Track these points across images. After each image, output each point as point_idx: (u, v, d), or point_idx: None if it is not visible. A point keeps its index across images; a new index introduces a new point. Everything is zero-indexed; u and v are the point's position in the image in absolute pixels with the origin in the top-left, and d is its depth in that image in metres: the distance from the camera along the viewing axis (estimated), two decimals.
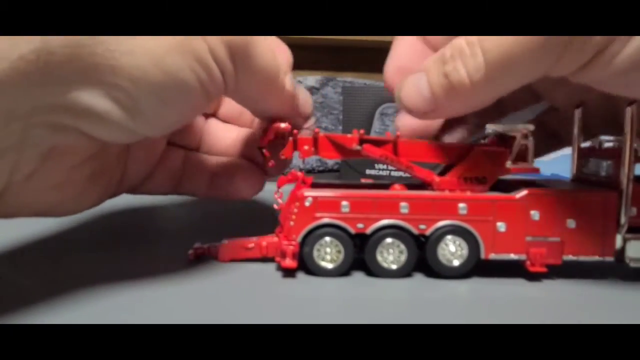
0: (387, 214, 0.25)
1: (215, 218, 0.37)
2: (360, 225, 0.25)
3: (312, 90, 0.64)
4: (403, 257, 0.25)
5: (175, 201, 0.40)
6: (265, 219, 0.34)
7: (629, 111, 0.24)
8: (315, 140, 0.27)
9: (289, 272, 0.25)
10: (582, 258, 0.25)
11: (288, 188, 0.27)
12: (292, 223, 0.25)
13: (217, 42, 0.20)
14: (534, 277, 0.25)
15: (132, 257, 0.28)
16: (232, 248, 0.27)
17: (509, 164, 0.26)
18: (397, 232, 0.25)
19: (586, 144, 0.28)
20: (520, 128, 0.26)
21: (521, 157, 0.26)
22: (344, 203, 0.25)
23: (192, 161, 0.32)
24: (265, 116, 0.28)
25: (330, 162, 0.62)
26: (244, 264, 0.26)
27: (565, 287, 0.25)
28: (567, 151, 0.30)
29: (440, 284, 0.25)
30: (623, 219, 0.25)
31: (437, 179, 0.26)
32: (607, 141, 0.27)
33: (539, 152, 0.26)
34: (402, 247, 0.25)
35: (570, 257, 0.25)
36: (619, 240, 0.25)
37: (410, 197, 0.25)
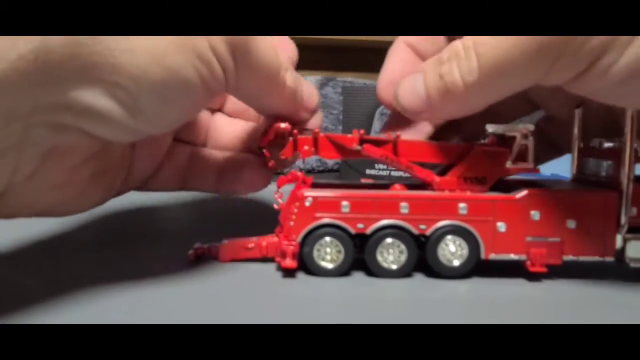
0: (387, 214, 0.25)
1: (215, 218, 0.37)
2: (360, 225, 0.25)
3: None
4: (403, 257, 0.25)
5: (176, 201, 0.40)
6: (265, 219, 0.34)
7: (629, 111, 0.24)
8: (315, 140, 0.27)
9: (289, 272, 0.25)
10: (582, 258, 0.25)
11: (288, 188, 0.27)
12: (292, 223, 0.25)
13: (217, 39, 0.20)
14: (534, 277, 0.25)
15: (132, 257, 0.28)
16: (232, 248, 0.27)
17: (509, 164, 0.26)
18: (397, 232, 0.25)
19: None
20: (520, 128, 0.26)
21: (521, 157, 0.26)
22: (344, 203, 0.25)
23: (199, 157, 0.32)
24: (267, 113, 0.28)
25: (330, 162, 0.62)
26: (244, 264, 0.26)
27: (565, 287, 0.25)
28: None
29: (440, 284, 0.25)
30: (623, 219, 0.25)
31: (437, 179, 0.26)
32: (607, 141, 0.27)
33: (538, 159, 0.26)
34: (402, 247, 0.25)
35: (570, 257, 0.25)
36: (619, 241, 0.25)
37: (411, 197, 0.25)
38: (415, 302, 0.23)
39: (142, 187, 0.31)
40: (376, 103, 0.53)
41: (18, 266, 0.26)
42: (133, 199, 0.33)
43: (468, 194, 0.26)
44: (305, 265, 0.25)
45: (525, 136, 0.25)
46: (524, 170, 0.26)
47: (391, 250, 0.25)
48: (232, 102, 0.32)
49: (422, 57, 0.29)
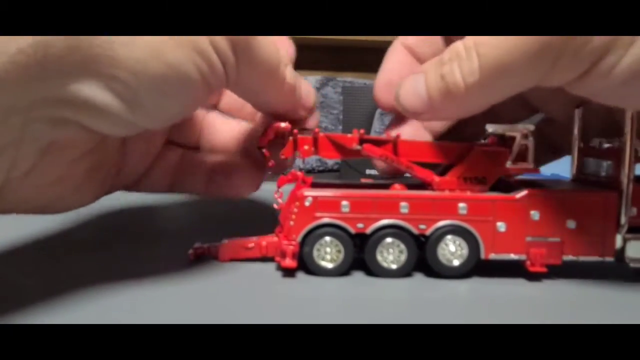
0: (387, 213, 0.25)
1: (215, 218, 0.37)
2: (360, 225, 0.25)
3: None
4: (403, 257, 0.25)
5: (175, 201, 0.40)
6: (265, 219, 0.34)
7: (628, 111, 0.24)
8: (315, 140, 0.27)
9: (288, 272, 0.25)
10: (582, 258, 0.25)
11: (288, 188, 0.27)
12: (292, 223, 0.25)
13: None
14: (534, 277, 0.25)
15: (132, 257, 0.28)
16: (232, 248, 0.27)
17: (509, 164, 0.26)
18: (397, 231, 0.25)
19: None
20: (520, 128, 0.26)
21: (521, 157, 0.26)
22: (344, 203, 0.25)
23: (190, 160, 0.31)
24: (266, 109, 0.27)
25: (330, 162, 0.62)
26: (244, 263, 0.26)
27: (565, 287, 0.25)
28: None
29: (440, 283, 0.25)
30: (623, 219, 0.25)
31: (437, 178, 0.26)
32: (607, 142, 0.27)
33: (538, 161, 0.26)
34: (402, 246, 0.25)
35: (570, 257, 0.25)
36: (619, 241, 0.25)
37: (410, 197, 0.25)
38: (415, 302, 0.23)
39: (132, 186, 0.31)
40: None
41: (17, 266, 0.26)
42: (133, 198, 0.33)
43: (468, 194, 0.26)
44: (305, 265, 0.25)
45: (525, 136, 0.25)
46: (524, 170, 0.26)
47: (391, 250, 0.25)
48: (228, 99, 0.32)
49: (420, 59, 0.29)
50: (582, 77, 0.21)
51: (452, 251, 0.25)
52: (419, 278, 0.25)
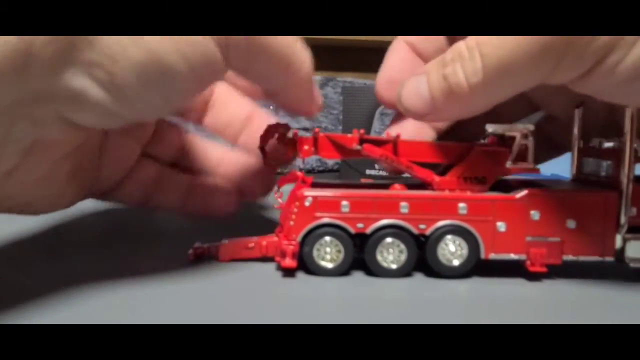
0: (387, 213, 0.25)
1: (215, 218, 0.37)
2: (360, 225, 0.25)
3: None
4: (403, 257, 0.25)
5: None
6: (265, 219, 0.34)
7: (628, 111, 0.24)
8: (315, 140, 0.27)
9: (288, 272, 0.25)
10: (582, 258, 0.25)
11: (288, 188, 0.27)
12: (292, 223, 0.25)
13: None
14: (534, 277, 0.25)
15: (132, 257, 0.28)
16: (232, 248, 0.27)
17: (509, 164, 0.26)
18: (397, 231, 0.25)
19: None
20: (520, 128, 0.26)
21: (521, 157, 0.26)
22: (344, 203, 0.25)
23: (167, 176, 0.31)
24: (281, 97, 0.26)
25: (330, 162, 0.62)
26: (244, 263, 0.26)
27: (565, 287, 0.25)
28: None
29: (440, 283, 0.25)
30: (623, 219, 0.25)
31: (437, 178, 0.26)
32: (607, 141, 0.27)
33: (539, 159, 0.26)
34: (402, 246, 0.25)
35: (570, 257, 0.25)
36: (619, 240, 0.25)
37: (410, 196, 0.25)
38: (415, 302, 0.23)
39: (106, 196, 0.30)
40: (376, 103, 0.53)
41: (17, 266, 0.26)
42: None
43: (468, 193, 0.26)
44: (305, 264, 0.25)
45: (525, 136, 0.25)
46: (524, 170, 0.26)
47: (391, 250, 0.25)
48: (213, 117, 0.31)
49: (421, 56, 0.29)
50: (585, 75, 0.21)
51: (452, 251, 0.25)
52: (419, 278, 0.25)
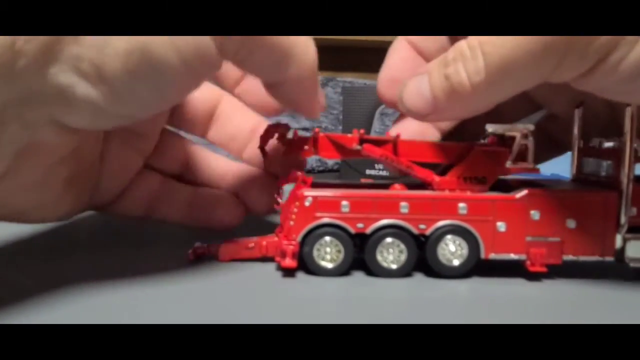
0: (387, 213, 0.25)
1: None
2: (360, 225, 0.25)
3: None
4: (403, 257, 0.25)
5: None
6: (265, 219, 0.34)
7: (628, 111, 0.24)
8: (315, 140, 0.27)
9: (288, 272, 0.25)
10: (582, 258, 0.25)
11: (288, 188, 0.27)
12: (292, 223, 0.25)
13: None
14: (534, 277, 0.25)
15: (132, 257, 0.28)
16: (233, 248, 0.27)
17: (509, 164, 0.26)
18: (397, 231, 0.25)
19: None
20: (520, 128, 0.26)
21: (521, 157, 0.26)
22: (344, 203, 0.25)
23: (170, 188, 0.31)
24: (282, 93, 0.25)
25: (330, 162, 0.62)
26: (244, 263, 0.26)
27: (565, 287, 0.25)
28: None
29: (440, 283, 0.25)
30: (623, 219, 0.25)
31: (437, 178, 0.26)
32: (607, 141, 0.27)
33: (540, 158, 0.26)
34: (402, 246, 0.25)
35: (570, 257, 0.25)
36: (619, 240, 0.25)
37: (410, 197, 0.25)
38: (415, 302, 0.23)
39: (108, 207, 0.30)
40: (376, 103, 0.53)
41: (17, 266, 0.26)
42: None
43: (468, 193, 0.26)
44: (305, 264, 0.25)
45: (525, 136, 0.25)
46: (524, 170, 0.26)
47: (391, 250, 0.25)
48: (217, 130, 0.31)
49: (423, 54, 0.29)
50: (588, 73, 0.21)
51: (452, 251, 0.25)
52: (419, 278, 0.25)
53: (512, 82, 0.22)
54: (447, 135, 0.30)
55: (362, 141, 0.26)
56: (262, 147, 0.28)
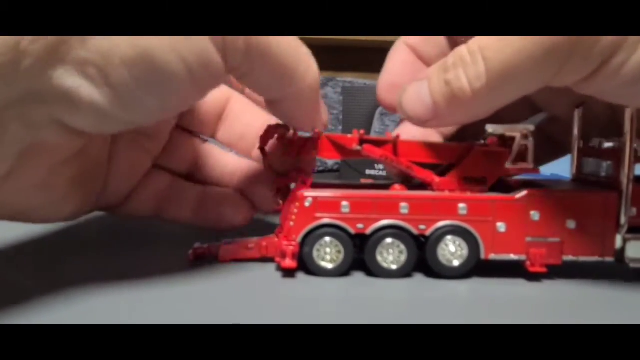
0: (387, 214, 0.25)
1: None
2: (360, 226, 0.25)
3: None
4: (403, 257, 0.25)
5: None
6: (265, 219, 0.34)
7: (628, 111, 0.24)
8: (315, 141, 0.27)
9: (288, 273, 0.25)
10: (582, 258, 0.25)
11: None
12: (292, 223, 0.25)
13: None
14: (534, 277, 0.25)
15: (132, 257, 0.28)
16: (233, 248, 0.27)
17: (508, 164, 0.26)
18: (397, 232, 0.25)
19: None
20: (520, 128, 0.26)
21: (521, 157, 0.26)
22: (344, 203, 0.25)
23: (179, 187, 0.31)
24: (282, 110, 0.25)
25: (330, 162, 0.62)
26: (244, 264, 0.26)
27: (565, 287, 0.25)
28: None
29: (440, 284, 0.25)
30: (623, 220, 0.25)
31: (437, 179, 0.26)
32: (607, 142, 0.27)
33: (541, 159, 0.26)
34: (402, 247, 0.25)
35: (570, 258, 0.25)
36: (619, 241, 0.25)
37: (410, 197, 0.25)
38: (415, 302, 0.23)
39: (116, 208, 0.30)
40: (376, 103, 0.53)
41: (17, 266, 0.26)
42: None
43: (468, 194, 0.26)
44: (305, 265, 0.25)
45: (525, 136, 0.25)
46: (523, 170, 0.26)
47: (391, 251, 0.25)
48: (226, 130, 0.31)
49: (423, 59, 0.29)
50: (590, 77, 0.21)
51: (452, 251, 0.25)
52: (419, 278, 0.25)
53: (513, 88, 0.22)
54: (449, 139, 0.30)
55: (362, 142, 0.26)
56: (262, 148, 0.28)
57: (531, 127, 0.26)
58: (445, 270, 0.25)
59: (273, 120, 0.29)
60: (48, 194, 0.24)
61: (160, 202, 0.30)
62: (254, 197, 0.31)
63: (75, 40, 0.18)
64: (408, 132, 0.28)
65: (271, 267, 0.26)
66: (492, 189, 0.26)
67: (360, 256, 0.25)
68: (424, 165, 0.26)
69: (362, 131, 0.26)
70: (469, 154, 0.26)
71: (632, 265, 0.25)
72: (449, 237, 0.25)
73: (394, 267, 0.25)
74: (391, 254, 0.25)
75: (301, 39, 0.23)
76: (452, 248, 0.25)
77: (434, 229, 0.25)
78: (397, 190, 0.26)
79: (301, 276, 0.25)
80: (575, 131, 0.27)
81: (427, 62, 0.28)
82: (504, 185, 0.26)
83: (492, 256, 0.25)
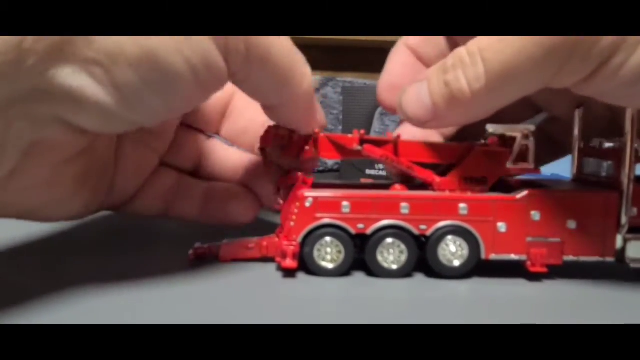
0: (387, 214, 0.25)
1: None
2: (360, 226, 0.25)
3: None
4: (403, 257, 0.25)
5: None
6: (265, 219, 0.34)
7: (629, 112, 0.24)
8: (315, 141, 0.27)
9: (289, 272, 0.25)
10: (583, 258, 0.25)
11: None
12: (292, 223, 0.25)
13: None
14: (534, 277, 0.25)
15: (132, 257, 0.28)
16: (233, 248, 0.27)
17: (509, 164, 0.26)
18: (398, 232, 0.25)
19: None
20: (521, 128, 0.26)
21: (522, 157, 0.26)
22: (345, 203, 0.25)
23: (185, 184, 0.31)
24: (280, 116, 0.25)
25: (330, 162, 0.62)
26: (244, 264, 0.26)
27: (565, 287, 0.25)
28: None
29: (441, 284, 0.25)
30: (624, 220, 0.25)
31: (437, 179, 0.26)
32: (608, 142, 0.27)
33: (541, 160, 0.26)
34: (403, 247, 0.25)
35: (570, 258, 0.25)
36: (619, 241, 0.25)
37: (411, 197, 0.25)
38: (416, 302, 0.23)
39: (123, 207, 0.30)
40: (376, 103, 0.53)
41: (17, 266, 0.26)
42: None
43: (468, 194, 0.26)
44: (306, 265, 0.25)
45: (526, 136, 0.25)
46: (524, 170, 0.26)
47: (391, 251, 0.25)
48: (230, 125, 0.31)
49: (423, 60, 0.29)
50: (589, 78, 0.21)
51: (453, 251, 0.25)
52: (419, 278, 0.25)
53: (513, 88, 0.22)
54: (450, 140, 0.30)
55: (362, 141, 0.26)
56: (262, 148, 0.28)
57: (532, 127, 0.26)
58: (445, 270, 0.25)
59: None
60: (53, 193, 0.24)
61: (167, 199, 0.30)
62: (258, 191, 0.31)
63: (80, 40, 0.18)
64: (408, 132, 0.28)
65: (271, 267, 0.26)
66: (493, 189, 0.26)
67: (360, 256, 0.25)
68: (424, 165, 0.26)
69: (362, 131, 0.26)
70: (469, 154, 0.26)
71: (632, 265, 0.25)
72: (449, 237, 0.25)
73: (394, 267, 0.25)
74: (392, 254, 0.25)
75: (301, 39, 0.23)
76: (452, 248, 0.25)
77: (435, 229, 0.25)
78: (398, 190, 0.26)
79: (301, 276, 0.25)
80: (576, 131, 0.27)
81: (427, 64, 0.28)
82: (505, 185, 0.26)
83: (493, 256, 0.25)
